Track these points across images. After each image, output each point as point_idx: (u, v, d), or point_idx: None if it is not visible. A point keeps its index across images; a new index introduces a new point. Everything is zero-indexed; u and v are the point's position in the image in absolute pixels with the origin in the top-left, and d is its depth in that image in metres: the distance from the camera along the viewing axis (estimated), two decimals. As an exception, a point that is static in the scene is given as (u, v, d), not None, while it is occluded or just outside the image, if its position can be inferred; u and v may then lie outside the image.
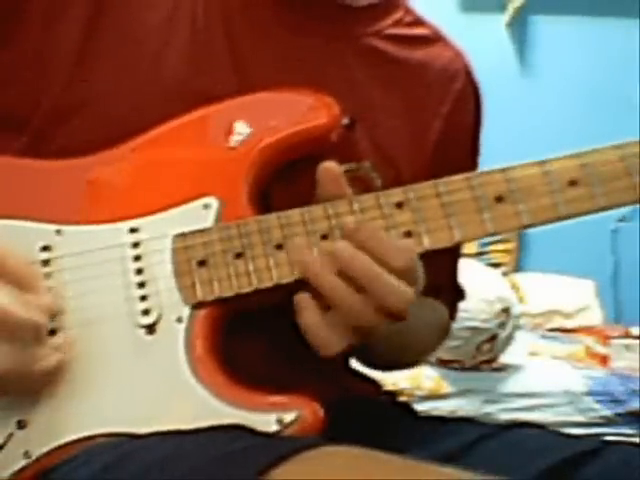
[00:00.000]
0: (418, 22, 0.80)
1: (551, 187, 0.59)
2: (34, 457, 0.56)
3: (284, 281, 0.58)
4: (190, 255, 0.59)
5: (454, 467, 0.46)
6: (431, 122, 0.77)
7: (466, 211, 0.59)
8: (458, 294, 0.88)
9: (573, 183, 0.58)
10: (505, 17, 3.31)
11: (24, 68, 0.65)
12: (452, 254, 0.84)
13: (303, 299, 0.57)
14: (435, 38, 0.80)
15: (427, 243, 0.59)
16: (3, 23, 0.65)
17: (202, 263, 0.59)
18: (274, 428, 0.54)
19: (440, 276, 0.77)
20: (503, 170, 0.59)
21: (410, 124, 0.75)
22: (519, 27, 3.35)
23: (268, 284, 0.58)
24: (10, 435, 0.56)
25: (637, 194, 0.58)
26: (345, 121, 0.66)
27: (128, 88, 0.65)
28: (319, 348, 0.57)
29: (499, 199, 0.59)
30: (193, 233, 0.60)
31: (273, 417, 0.54)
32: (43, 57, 0.65)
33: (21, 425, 0.56)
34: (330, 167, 0.61)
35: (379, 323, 0.57)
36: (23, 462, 0.56)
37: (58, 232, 0.60)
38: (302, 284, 0.58)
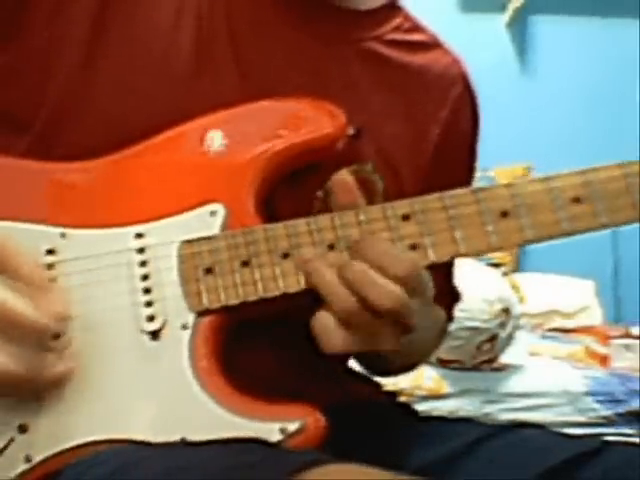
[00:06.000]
0: (417, 28, 0.81)
1: (555, 204, 0.59)
2: (34, 462, 0.55)
3: (290, 290, 0.58)
4: (196, 262, 0.59)
5: None
6: (430, 127, 0.77)
7: (471, 225, 0.59)
8: (454, 296, 0.88)
9: (577, 200, 0.59)
10: (505, 17, 3.31)
11: (29, 67, 0.65)
12: None
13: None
14: (433, 44, 0.81)
15: (432, 256, 0.59)
16: (8, 20, 0.65)
17: (208, 270, 0.59)
18: (277, 437, 0.54)
19: (436, 280, 0.78)
20: (508, 185, 0.60)
21: (410, 128, 0.75)
22: (519, 27, 3.35)
23: (274, 293, 0.58)
24: (11, 439, 0.56)
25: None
26: (351, 131, 0.66)
27: (134, 89, 0.65)
28: (323, 343, 0.57)
29: (504, 214, 0.59)
30: (200, 240, 0.59)
31: (276, 426, 0.54)
32: (48, 56, 0.65)
33: (22, 429, 0.56)
34: (343, 177, 0.61)
35: (389, 335, 0.57)
36: (23, 466, 0.55)
37: (63, 235, 0.60)
38: (307, 294, 0.58)
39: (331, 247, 0.59)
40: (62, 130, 0.64)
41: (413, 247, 0.59)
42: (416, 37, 0.80)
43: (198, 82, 0.66)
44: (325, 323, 0.56)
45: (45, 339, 0.55)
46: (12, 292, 0.53)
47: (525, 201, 0.59)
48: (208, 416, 0.55)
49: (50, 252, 0.60)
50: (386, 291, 0.55)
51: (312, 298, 0.58)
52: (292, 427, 0.54)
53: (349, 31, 0.74)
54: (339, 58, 0.73)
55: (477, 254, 0.60)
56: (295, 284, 0.58)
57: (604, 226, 0.59)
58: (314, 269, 0.57)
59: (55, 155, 0.63)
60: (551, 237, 0.60)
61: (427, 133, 0.77)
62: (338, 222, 0.59)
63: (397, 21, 0.79)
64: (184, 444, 0.54)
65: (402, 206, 0.60)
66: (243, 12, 0.70)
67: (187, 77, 0.66)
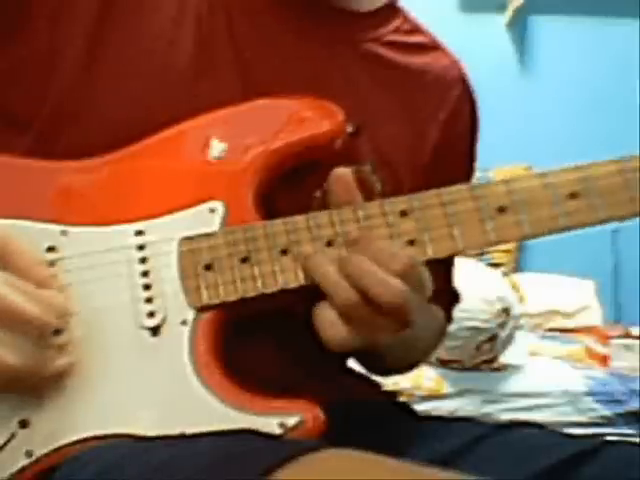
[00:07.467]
0: (416, 30, 0.81)
1: (552, 199, 0.59)
2: (35, 457, 0.56)
3: (289, 286, 0.59)
4: (196, 259, 0.59)
5: (456, 471, 0.47)
6: (429, 128, 0.78)
7: (469, 221, 0.60)
8: (453, 297, 0.88)
9: (573, 196, 0.59)
10: (505, 17, 3.32)
11: (30, 67, 0.65)
12: (446, 258, 0.84)
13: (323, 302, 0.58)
14: (433, 46, 0.82)
15: (430, 252, 0.59)
16: (10, 21, 0.65)
17: (208, 267, 0.59)
18: (277, 432, 0.54)
19: (436, 280, 0.79)
20: (505, 182, 0.60)
21: (409, 129, 0.76)
22: (519, 27, 3.35)
23: (273, 289, 0.59)
24: (12, 435, 0.56)
25: (637, 207, 0.59)
26: (349, 129, 0.67)
27: (134, 90, 0.65)
28: (326, 339, 0.57)
29: (501, 210, 0.60)
30: (199, 237, 0.60)
31: (276, 421, 0.55)
32: (50, 57, 0.65)
33: (23, 425, 0.57)
34: (342, 174, 0.61)
35: (386, 329, 0.57)
36: (24, 462, 0.56)
37: (63, 233, 0.60)
38: (306, 289, 0.58)
39: (330, 243, 0.59)
40: (63, 130, 0.65)
41: (411, 243, 0.59)
42: (415, 39, 0.80)
43: (198, 83, 0.67)
44: (326, 317, 0.57)
45: (46, 334, 0.55)
46: (14, 287, 0.53)
47: (522, 197, 0.60)
48: (208, 411, 0.56)
49: (51, 249, 0.60)
50: (386, 284, 0.55)
51: (311, 294, 0.58)
52: (291, 421, 0.55)
53: (348, 32, 0.75)
54: (338, 59, 0.73)
55: (475, 250, 0.60)
56: (294, 280, 0.59)
57: (601, 221, 0.59)
58: (316, 264, 0.58)
59: (56, 154, 0.64)
60: (549, 232, 0.60)
61: (426, 134, 0.77)
62: (337, 218, 0.60)
63: (396, 23, 0.79)
64: (183, 438, 0.54)
65: (400, 202, 0.60)
66: (243, 13, 0.70)
67: (187, 78, 0.67)
